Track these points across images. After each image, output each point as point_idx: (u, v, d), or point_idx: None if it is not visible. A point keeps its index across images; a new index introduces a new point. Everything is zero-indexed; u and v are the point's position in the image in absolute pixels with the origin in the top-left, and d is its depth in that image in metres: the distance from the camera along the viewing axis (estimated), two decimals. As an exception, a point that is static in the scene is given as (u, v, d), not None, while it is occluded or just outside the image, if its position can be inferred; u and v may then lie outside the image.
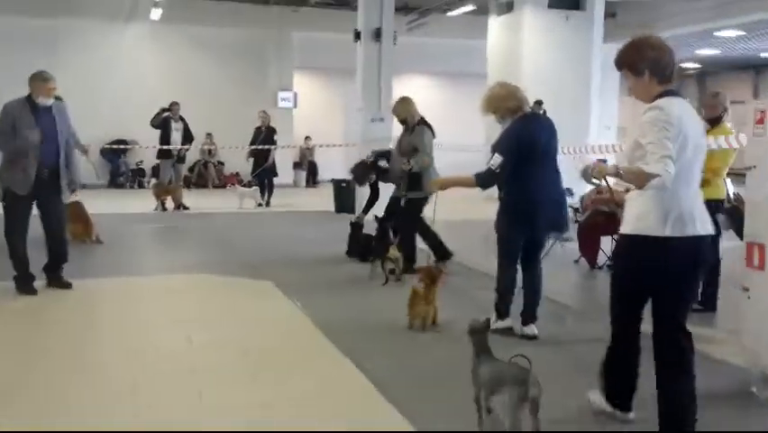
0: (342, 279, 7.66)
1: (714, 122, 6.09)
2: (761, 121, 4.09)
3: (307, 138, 19.69)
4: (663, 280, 3.40)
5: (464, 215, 11.19)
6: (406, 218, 7.78)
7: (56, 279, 6.81)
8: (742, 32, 18.88)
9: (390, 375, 4.62)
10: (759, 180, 4.12)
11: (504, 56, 15.52)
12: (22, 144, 6.31)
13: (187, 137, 13.40)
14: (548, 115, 13.75)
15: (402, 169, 7.67)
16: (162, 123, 13.27)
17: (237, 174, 18.24)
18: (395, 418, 3.94)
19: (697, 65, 26.05)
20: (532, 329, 5.33)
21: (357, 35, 12.59)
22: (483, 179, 5.24)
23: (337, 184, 13.34)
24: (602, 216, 7.82)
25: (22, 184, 6.39)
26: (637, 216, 3.43)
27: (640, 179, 3.24)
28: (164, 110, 13.44)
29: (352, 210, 12.85)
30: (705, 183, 5.98)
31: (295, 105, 19.26)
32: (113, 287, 7.21)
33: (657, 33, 4.44)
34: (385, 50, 11.90)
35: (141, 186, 18.15)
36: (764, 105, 4.13)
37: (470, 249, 8.56)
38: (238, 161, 17.31)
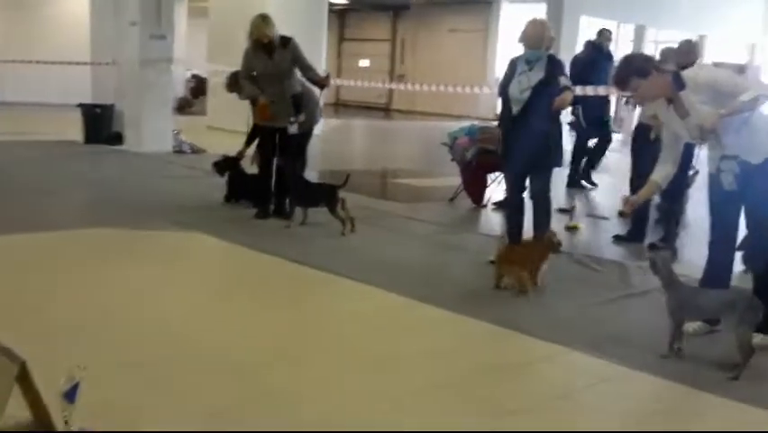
0: (272, 226, 6.64)
1: None
2: None
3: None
4: None
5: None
6: (297, 150, 6.92)
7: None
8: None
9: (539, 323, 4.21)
10: None
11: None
12: None
13: None
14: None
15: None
16: None
17: None
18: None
19: (344, 1, 27.08)
20: None
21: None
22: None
23: (89, 110, 11.12)
24: (488, 156, 7.92)
25: None
26: None
27: None
28: None
29: (110, 140, 10.94)
30: None
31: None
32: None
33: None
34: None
35: None
36: None
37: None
38: None
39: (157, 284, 4.78)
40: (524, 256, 5.01)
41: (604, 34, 9.88)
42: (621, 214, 7.96)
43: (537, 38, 5.38)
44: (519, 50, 5.49)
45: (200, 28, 16.81)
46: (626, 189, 6.45)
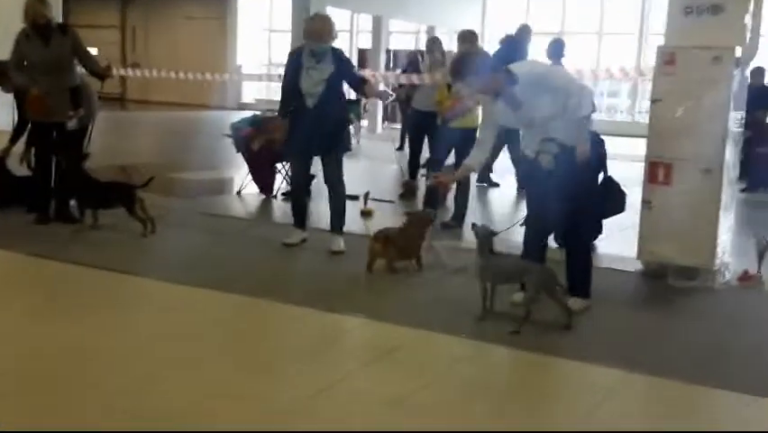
0: (59, 232, 6.02)
1: None
2: (670, 62, 5.14)
3: None
4: None
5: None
6: (72, 145, 6.37)
7: None
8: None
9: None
10: (663, 112, 5.22)
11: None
12: None
13: None
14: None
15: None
16: None
17: None
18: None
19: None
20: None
21: None
22: None
23: None
24: (275, 145, 7.83)
25: None
26: None
27: None
28: None
29: None
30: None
31: None
32: None
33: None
34: None
35: None
36: (674, 49, 5.19)
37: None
38: None
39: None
40: (406, 240, 5.16)
41: (525, 29, 9.56)
42: (402, 196, 8.42)
43: (323, 32, 5.57)
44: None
45: None
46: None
